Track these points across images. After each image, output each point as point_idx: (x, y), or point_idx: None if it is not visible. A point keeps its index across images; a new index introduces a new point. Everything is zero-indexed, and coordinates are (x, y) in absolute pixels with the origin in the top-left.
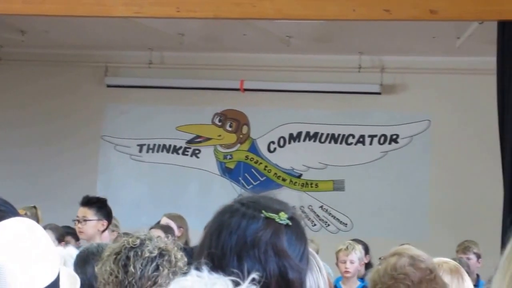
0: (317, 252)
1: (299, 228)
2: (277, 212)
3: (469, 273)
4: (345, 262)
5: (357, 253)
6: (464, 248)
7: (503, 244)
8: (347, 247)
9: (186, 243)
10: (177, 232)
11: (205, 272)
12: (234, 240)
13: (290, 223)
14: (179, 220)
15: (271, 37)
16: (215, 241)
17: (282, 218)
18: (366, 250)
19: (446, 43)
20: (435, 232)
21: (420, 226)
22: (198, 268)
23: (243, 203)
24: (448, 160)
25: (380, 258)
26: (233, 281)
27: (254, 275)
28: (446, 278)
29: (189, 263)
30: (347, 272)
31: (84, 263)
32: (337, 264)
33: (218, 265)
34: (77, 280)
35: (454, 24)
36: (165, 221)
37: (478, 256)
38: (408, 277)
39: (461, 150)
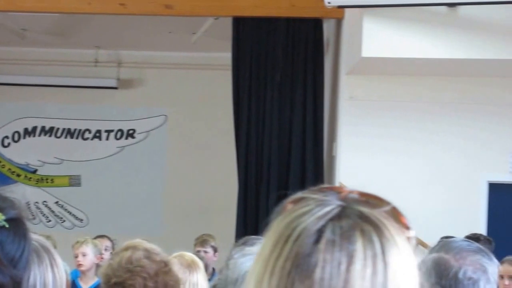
0: (55, 248)
1: (18, 230)
2: None
3: (206, 267)
4: (77, 256)
5: (90, 246)
6: (202, 241)
7: (237, 238)
8: (78, 241)
9: None
10: None
11: None
12: None
13: (7, 225)
14: None
15: (5, 29)
16: None
17: None
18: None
19: (182, 38)
20: (170, 226)
21: (156, 221)
22: None
23: None
24: (185, 155)
25: (111, 253)
26: None
27: None
28: (182, 271)
29: None
30: (80, 265)
31: None
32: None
33: None
34: None
35: (190, 19)
36: None
37: (215, 250)
38: (145, 269)
39: (198, 145)
